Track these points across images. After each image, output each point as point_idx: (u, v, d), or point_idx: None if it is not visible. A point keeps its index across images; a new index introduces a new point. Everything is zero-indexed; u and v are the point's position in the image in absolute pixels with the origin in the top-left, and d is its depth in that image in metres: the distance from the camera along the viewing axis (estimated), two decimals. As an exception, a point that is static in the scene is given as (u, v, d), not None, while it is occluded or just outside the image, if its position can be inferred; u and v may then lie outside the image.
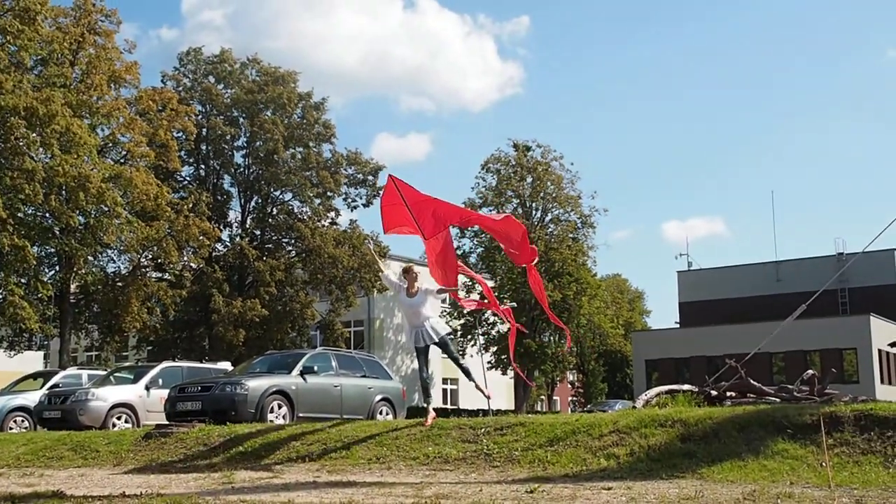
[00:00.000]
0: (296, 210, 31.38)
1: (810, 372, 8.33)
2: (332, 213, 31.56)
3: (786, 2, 75.28)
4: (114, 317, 23.99)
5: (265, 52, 75.57)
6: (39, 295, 21.58)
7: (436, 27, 75.01)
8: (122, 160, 24.17)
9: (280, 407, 9.83)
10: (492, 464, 5.94)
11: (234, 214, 31.75)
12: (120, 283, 24.53)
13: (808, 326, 22.44)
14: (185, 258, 26.48)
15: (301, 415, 9.84)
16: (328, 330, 30.24)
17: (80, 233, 22.20)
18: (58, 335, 23.68)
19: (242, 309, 27.25)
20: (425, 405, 7.57)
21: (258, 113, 30.43)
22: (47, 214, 22.00)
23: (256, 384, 9.79)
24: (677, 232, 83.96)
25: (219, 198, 30.95)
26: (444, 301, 29.69)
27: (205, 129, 29.99)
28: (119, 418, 11.37)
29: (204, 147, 30.59)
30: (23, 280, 21.44)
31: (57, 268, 23.59)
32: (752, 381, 8.05)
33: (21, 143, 20.50)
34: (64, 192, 21.44)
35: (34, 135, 20.44)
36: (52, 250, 22.96)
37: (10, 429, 12.61)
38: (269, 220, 31.61)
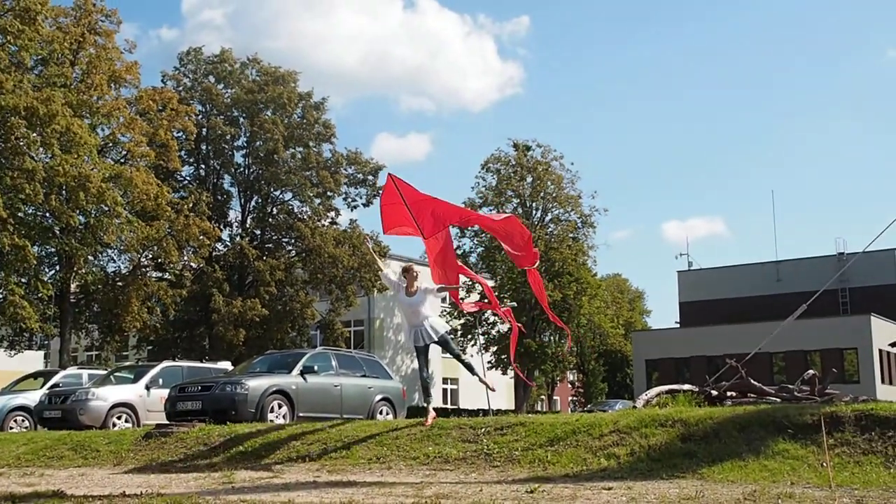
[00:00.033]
0: (296, 210, 31.40)
1: (811, 372, 8.32)
2: (332, 213, 31.60)
3: (786, 2, 75.32)
4: (114, 316, 24.00)
5: (265, 52, 75.71)
6: (40, 294, 21.59)
7: (436, 27, 75.11)
8: (122, 160, 24.17)
9: (280, 406, 9.83)
10: (492, 464, 5.94)
11: (234, 214, 31.82)
12: (120, 283, 24.54)
13: (808, 326, 22.43)
14: (186, 258, 26.49)
15: (301, 414, 9.84)
16: (328, 329, 30.25)
17: (80, 232, 22.21)
18: (58, 335, 23.68)
19: (242, 308, 27.26)
20: (425, 405, 7.56)
21: (258, 113, 30.43)
22: (47, 214, 22.01)
23: (256, 384, 9.79)
24: (677, 232, 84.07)
25: (219, 197, 30.96)
26: (443, 300, 29.67)
27: (205, 129, 30.00)
28: (119, 418, 11.37)
29: (204, 147, 30.60)
30: (23, 280, 21.45)
31: (57, 267, 23.60)
32: (752, 381, 8.04)
33: (21, 143, 20.51)
34: (64, 191, 21.45)
35: (34, 134, 20.45)
36: (53, 250, 22.97)
37: (11, 428, 12.61)
38: (270, 219, 31.62)
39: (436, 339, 7.24)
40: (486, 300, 10.21)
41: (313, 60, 68.00)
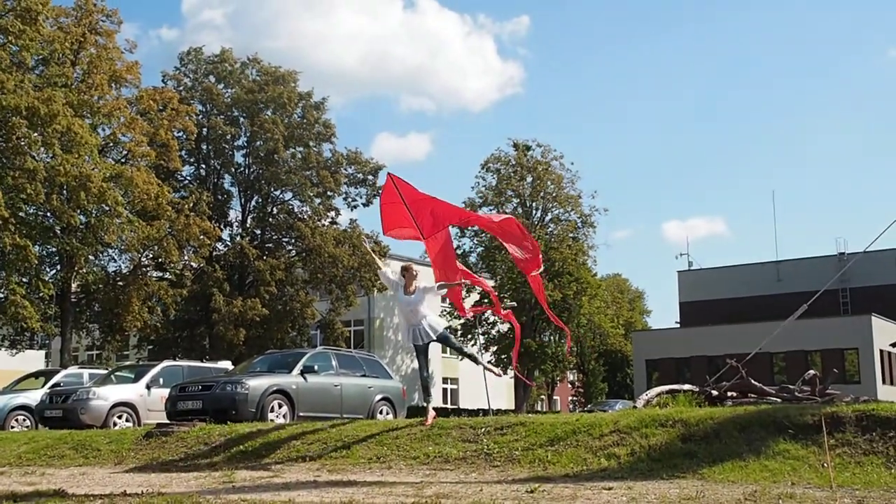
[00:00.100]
0: (296, 209, 31.42)
1: (811, 372, 8.32)
2: (333, 213, 31.62)
3: (786, 1, 75.28)
4: (115, 316, 24.02)
5: (265, 52, 75.66)
6: (41, 294, 21.61)
7: (436, 27, 75.10)
8: (122, 160, 24.20)
9: (280, 406, 9.83)
10: (492, 463, 5.94)
11: (234, 214, 31.85)
12: (121, 283, 24.57)
13: (809, 326, 22.40)
14: (186, 257, 26.51)
15: (301, 414, 9.85)
16: (328, 329, 30.26)
17: (81, 232, 22.23)
18: (59, 334, 23.71)
19: (243, 308, 27.27)
20: (425, 404, 7.56)
21: (258, 112, 30.44)
22: (48, 214, 22.03)
23: (257, 383, 9.79)
24: (678, 232, 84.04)
25: (219, 197, 30.98)
26: (443, 300, 29.69)
27: (205, 129, 30.01)
28: (120, 417, 11.38)
29: (204, 147, 30.61)
30: (24, 279, 21.47)
31: (58, 267, 23.62)
32: (753, 381, 8.04)
33: (22, 143, 20.53)
34: (65, 191, 21.47)
35: (35, 134, 20.47)
36: (54, 249, 23.00)
37: (12, 427, 12.62)
38: (270, 219, 31.63)
39: (434, 338, 7.24)
40: (486, 301, 10.22)
41: (313, 60, 68.09)
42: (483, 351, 30.12)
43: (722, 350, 20.53)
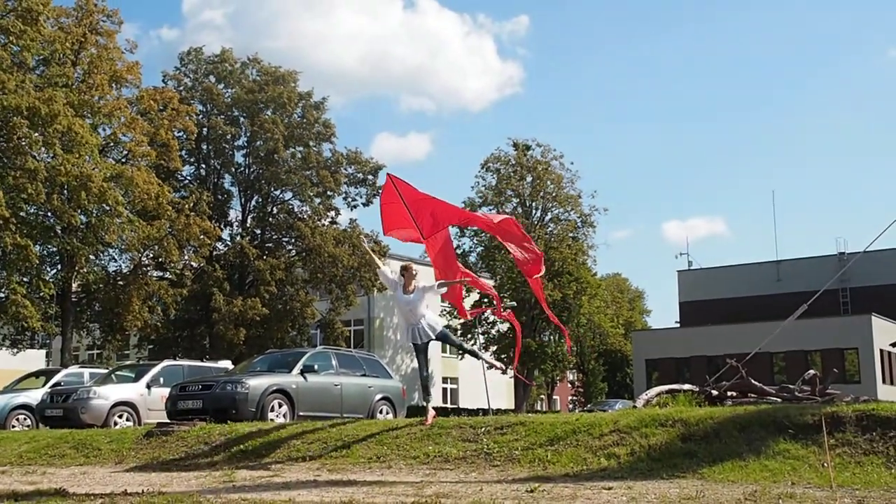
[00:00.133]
0: (296, 209, 31.44)
1: (812, 372, 8.32)
2: (332, 213, 31.62)
3: (786, 1, 75.25)
4: (115, 315, 24.03)
5: (265, 52, 75.64)
6: (41, 294, 21.63)
7: (436, 27, 75.11)
8: (123, 160, 24.21)
9: (280, 406, 9.84)
10: (492, 463, 5.95)
11: (234, 213, 31.86)
12: (121, 282, 24.58)
13: (809, 326, 22.41)
14: (186, 257, 26.52)
15: (301, 413, 9.85)
16: (328, 329, 30.27)
17: (81, 232, 22.24)
18: (59, 334, 23.72)
19: (243, 308, 27.29)
20: (425, 404, 7.57)
21: (258, 112, 30.45)
22: (49, 213, 22.04)
23: (257, 383, 9.80)
24: (677, 231, 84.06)
25: (219, 197, 30.99)
26: (442, 300, 29.66)
27: (205, 129, 30.02)
28: (120, 416, 11.39)
29: (205, 146, 30.62)
30: (25, 279, 21.48)
31: (59, 267, 23.64)
32: (753, 381, 8.04)
33: (23, 143, 20.54)
34: (66, 191, 21.48)
35: (36, 134, 20.48)
36: (54, 249, 23.01)
37: (13, 427, 12.63)
38: (270, 219, 31.64)
39: (433, 337, 7.24)
40: (486, 302, 10.20)
41: (313, 60, 68.10)
42: (483, 350, 30.08)
43: (722, 350, 20.53)
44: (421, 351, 7.40)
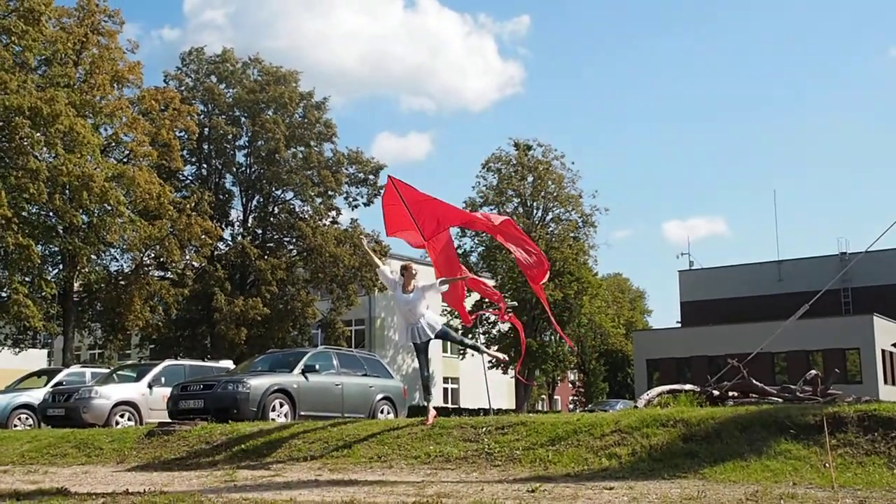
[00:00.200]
0: (297, 209, 31.46)
1: (813, 372, 8.31)
2: (334, 213, 31.65)
3: (787, 1, 75.17)
4: (117, 315, 24.07)
5: (266, 52, 75.79)
6: (43, 293, 21.67)
7: (436, 27, 75.10)
8: (124, 159, 24.25)
9: (282, 405, 9.85)
10: (493, 463, 5.95)
11: (235, 213, 31.89)
12: (123, 282, 24.62)
13: (810, 326, 22.37)
14: (188, 257, 26.56)
15: (302, 413, 9.86)
16: (329, 328, 30.29)
17: (83, 232, 22.28)
18: (61, 333, 23.76)
19: (244, 307, 27.31)
20: (426, 403, 7.57)
21: (260, 112, 30.48)
22: (51, 213, 22.08)
23: (258, 383, 9.81)
24: (678, 231, 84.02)
25: (221, 197, 31.02)
26: (443, 299, 29.63)
27: (207, 129, 30.05)
28: (122, 416, 11.41)
29: (206, 146, 30.66)
30: (27, 278, 21.52)
31: (60, 266, 23.67)
32: (754, 381, 8.03)
33: (25, 143, 20.57)
34: (67, 191, 21.52)
35: (38, 134, 20.51)
36: (56, 249, 23.05)
37: (15, 426, 12.65)
38: (271, 219, 31.67)
39: (432, 336, 7.24)
40: (486, 303, 10.17)
41: (314, 60, 68.15)
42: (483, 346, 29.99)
43: (723, 350, 20.51)
44: (421, 350, 7.40)
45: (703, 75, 76.22)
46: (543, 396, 45.40)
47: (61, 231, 22.31)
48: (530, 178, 34.46)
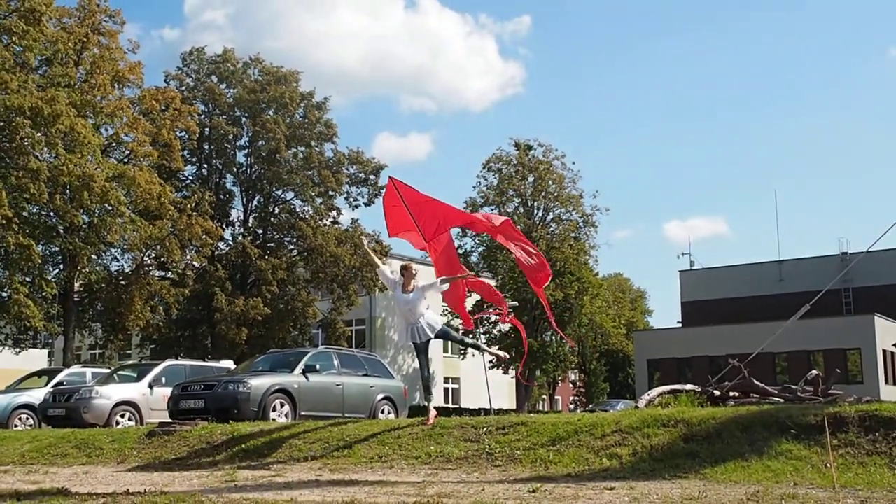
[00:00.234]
0: (298, 209, 31.47)
1: (814, 372, 8.31)
2: (334, 212, 31.65)
3: (788, 1, 75.14)
4: (117, 315, 24.08)
5: (267, 52, 75.74)
6: (44, 293, 21.67)
7: (437, 27, 75.10)
8: (125, 159, 24.26)
9: (282, 405, 9.85)
10: (494, 463, 5.94)
11: (236, 213, 31.90)
12: (123, 282, 24.63)
13: (811, 326, 22.35)
14: (188, 257, 26.57)
15: (303, 413, 9.86)
16: (330, 328, 30.30)
17: (84, 232, 22.29)
18: (62, 333, 23.78)
19: (245, 307, 27.32)
20: (426, 403, 7.56)
21: (260, 112, 30.49)
22: (52, 213, 22.09)
23: (259, 383, 9.81)
24: (679, 231, 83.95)
25: (221, 197, 31.03)
26: (444, 302, 29.61)
27: (207, 129, 30.06)
28: (122, 416, 11.42)
29: (207, 146, 30.67)
30: (27, 278, 21.53)
31: (61, 266, 23.69)
32: (755, 382, 8.03)
33: (26, 143, 20.58)
34: (68, 191, 21.53)
35: (39, 134, 20.52)
36: (57, 249, 23.06)
37: (15, 426, 12.66)
38: (272, 219, 31.68)
39: (432, 336, 7.23)
40: (487, 305, 10.14)
41: (315, 60, 68.17)
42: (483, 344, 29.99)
43: (724, 350, 20.49)
44: (421, 350, 7.40)
45: (703, 75, 76.26)
46: (544, 396, 45.38)
47: (62, 231, 22.32)
48: (531, 178, 34.46)
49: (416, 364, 7.57)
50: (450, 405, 34.26)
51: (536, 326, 32.43)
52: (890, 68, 74.28)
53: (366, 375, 11.31)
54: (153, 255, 25.52)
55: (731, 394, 7.98)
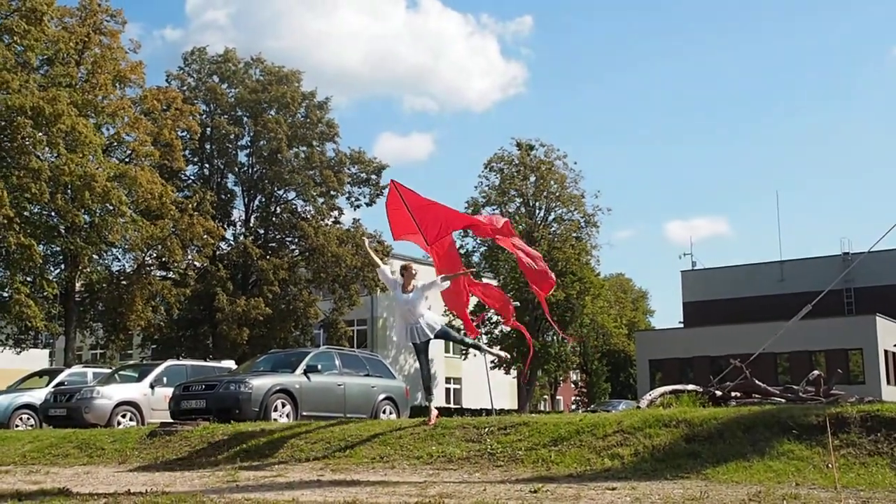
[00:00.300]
0: (299, 209, 31.47)
1: (816, 372, 8.30)
2: (336, 212, 31.64)
3: (790, 2, 75.03)
4: (118, 315, 24.09)
5: (268, 52, 75.80)
6: (45, 293, 21.69)
7: (438, 27, 75.12)
8: (126, 159, 24.27)
9: (284, 406, 9.85)
10: (495, 463, 5.94)
11: (237, 213, 31.89)
12: (125, 282, 24.64)
13: (813, 327, 22.32)
14: (190, 257, 26.58)
15: (304, 413, 9.86)
16: (331, 329, 30.30)
17: (85, 231, 22.30)
18: (63, 333, 23.79)
19: (246, 307, 27.33)
20: (427, 403, 7.56)
21: (262, 112, 30.49)
22: (53, 213, 22.11)
23: (260, 383, 9.82)
24: (681, 231, 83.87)
25: (223, 197, 31.04)
26: (444, 300, 29.59)
27: (209, 129, 30.08)
28: (124, 416, 11.42)
29: (208, 146, 30.68)
30: (29, 278, 21.54)
31: (62, 266, 23.70)
32: (756, 382, 8.03)
33: (27, 143, 20.60)
34: (69, 190, 21.54)
35: (40, 134, 20.54)
36: (58, 249, 23.08)
37: (17, 426, 12.66)
38: (273, 218, 31.68)
39: (432, 336, 7.23)
40: (487, 309, 10.10)
41: (316, 60, 68.21)
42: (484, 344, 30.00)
43: (725, 350, 20.47)
44: (421, 351, 7.39)
45: (705, 75, 76.18)
46: (546, 397, 45.35)
47: (63, 231, 22.34)
48: (533, 178, 34.43)
49: (418, 364, 7.57)
50: (451, 405, 34.24)
51: (538, 326, 32.41)
52: (891, 68, 74.27)
53: (367, 375, 11.31)
54: (154, 254, 25.53)
55: (733, 394, 7.97)
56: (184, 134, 26.92)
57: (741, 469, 5.10)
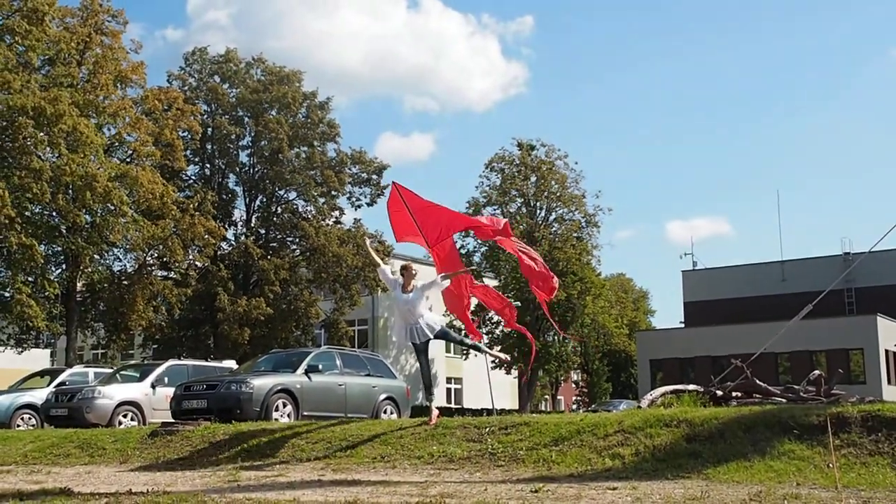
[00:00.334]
0: (300, 209, 31.48)
1: (817, 372, 8.30)
2: (337, 212, 31.64)
3: (791, 2, 74.96)
4: (120, 315, 24.12)
5: (270, 52, 75.73)
6: (46, 293, 21.71)
7: (439, 27, 75.13)
8: (128, 159, 24.29)
9: (285, 405, 9.85)
10: (496, 463, 5.95)
11: (239, 213, 31.91)
12: (126, 282, 24.66)
13: (814, 326, 22.32)
14: (191, 257, 26.60)
15: (306, 413, 9.87)
16: (332, 328, 30.31)
17: (86, 231, 22.33)
18: (64, 333, 23.82)
19: (247, 307, 27.35)
20: (427, 403, 7.56)
21: (263, 112, 30.51)
22: (54, 213, 22.14)
23: (261, 383, 9.82)
24: (681, 231, 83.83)
25: (224, 197, 31.06)
26: (444, 300, 29.59)
27: (210, 129, 30.10)
28: (125, 416, 11.44)
29: (209, 146, 30.71)
30: (30, 278, 21.57)
31: (63, 266, 23.73)
32: (757, 382, 8.02)
33: (29, 143, 20.63)
34: (71, 191, 21.57)
35: (42, 134, 20.57)
36: (59, 249, 23.10)
37: (18, 426, 12.68)
38: (274, 218, 31.70)
39: (431, 336, 7.23)
40: (487, 311, 10.08)
41: (317, 60, 68.27)
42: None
43: (726, 350, 20.47)
44: (421, 351, 7.39)
45: (705, 75, 76.12)
46: (547, 397, 45.34)
47: (64, 231, 22.36)
48: (533, 178, 34.43)
49: (418, 364, 7.57)
50: (452, 405, 34.24)
51: (539, 326, 32.41)
52: (891, 68, 74.17)
53: (368, 375, 11.31)
54: (156, 254, 25.54)
55: (734, 394, 7.98)
56: (185, 134, 26.94)
57: (742, 469, 5.10)
